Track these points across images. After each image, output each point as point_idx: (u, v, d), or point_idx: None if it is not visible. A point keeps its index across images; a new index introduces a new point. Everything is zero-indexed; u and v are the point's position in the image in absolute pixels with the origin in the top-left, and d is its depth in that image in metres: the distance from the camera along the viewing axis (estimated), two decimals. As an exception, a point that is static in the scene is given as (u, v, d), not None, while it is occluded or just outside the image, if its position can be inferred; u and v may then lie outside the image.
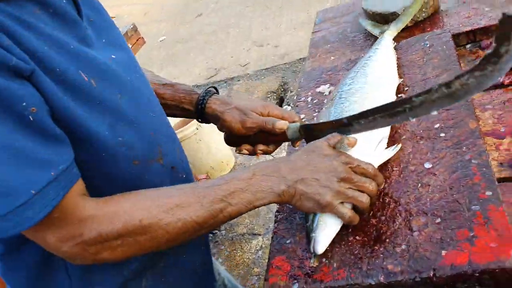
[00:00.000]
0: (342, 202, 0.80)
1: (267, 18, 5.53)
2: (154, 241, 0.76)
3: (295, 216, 0.92)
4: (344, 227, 0.83)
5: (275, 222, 0.94)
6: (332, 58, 1.37)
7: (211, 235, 2.76)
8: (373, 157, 0.90)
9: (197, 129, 2.92)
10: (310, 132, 0.94)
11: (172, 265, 0.96)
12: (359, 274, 0.75)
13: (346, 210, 0.80)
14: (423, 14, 1.31)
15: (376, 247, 0.78)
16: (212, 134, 3.02)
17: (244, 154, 1.03)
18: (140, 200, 0.77)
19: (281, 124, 0.96)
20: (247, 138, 1.01)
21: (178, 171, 0.95)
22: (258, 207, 0.80)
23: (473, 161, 0.84)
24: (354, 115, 0.85)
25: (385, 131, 0.97)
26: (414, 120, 0.98)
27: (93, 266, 0.82)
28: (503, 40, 0.64)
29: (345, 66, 1.27)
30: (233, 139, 1.03)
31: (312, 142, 0.89)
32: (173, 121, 3.13)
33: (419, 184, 0.85)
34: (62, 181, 0.69)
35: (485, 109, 1.02)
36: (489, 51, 0.66)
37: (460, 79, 0.70)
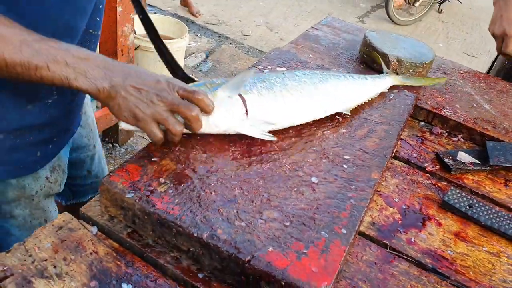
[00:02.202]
0: (158, 123, 0.81)
1: (291, 12, 5.49)
2: None
3: (178, 146, 0.89)
4: (210, 178, 0.80)
5: (156, 139, 0.90)
6: (310, 55, 1.35)
7: (109, 145, 2.67)
8: (252, 127, 0.93)
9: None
10: None
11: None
12: (189, 220, 0.73)
13: (157, 131, 0.82)
14: (407, 74, 1.32)
15: (222, 210, 0.76)
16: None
17: None
18: None
19: None
20: None
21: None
22: (74, 88, 0.77)
23: (352, 200, 0.84)
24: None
25: (285, 122, 0.99)
26: (333, 141, 0.98)
27: None
28: None
29: (315, 68, 1.26)
30: None
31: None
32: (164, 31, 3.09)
33: (295, 188, 0.84)
34: None
35: (395, 176, 1.04)
36: None
37: None
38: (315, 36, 1.48)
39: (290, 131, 0.99)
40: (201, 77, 3.66)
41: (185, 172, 0.82)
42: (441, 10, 6.46)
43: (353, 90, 1.12)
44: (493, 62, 1.84)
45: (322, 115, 1.05)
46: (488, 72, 1.84)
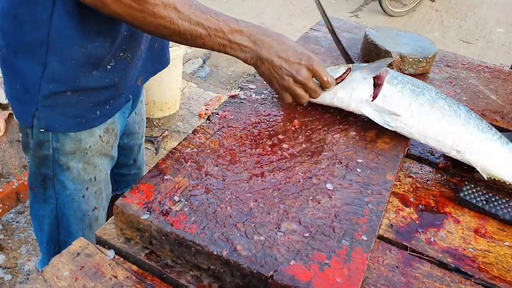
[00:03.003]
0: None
1: (285, 11, 5.48)
2: (140, 16, 0.87)
3: (189, 161, 0.88)
4: (225, 192, 0.79)
5: (166, 157, 0.89)
6: (312, 57, 1.33)
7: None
8: (374, 111, 1.02)
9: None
10: None
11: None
12: (207, 238, 0.72)
13: (288, 97, 1.03)
14: (411, 70, 1.31)
15: (239, 225, 0.75)
16: (172, 73, 2.92)
17: None
18: None
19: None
20: None
21: None
22: (228, 54, 0.96)
23: (369, 205, 0.83)
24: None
25: (402, 128, 1.03)
26: (345, 144, 0.97)
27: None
28: None
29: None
30: None
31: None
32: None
33: (311, 197, 0.83)
34: None
35: (409, 176, 1.03)
36: None
37: None
38: (315, 38, 1.47)
39: (300, 137, 0.98)
40: (199, 83, 3.65)
41: (198, 188, 0.81)
42: (434, -2, 6.45)
43: (505, 161, 1.00)
44: None
45: (448, 151, 1.01)
46: None
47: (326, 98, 1.05)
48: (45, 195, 1.18)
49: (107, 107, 1.12)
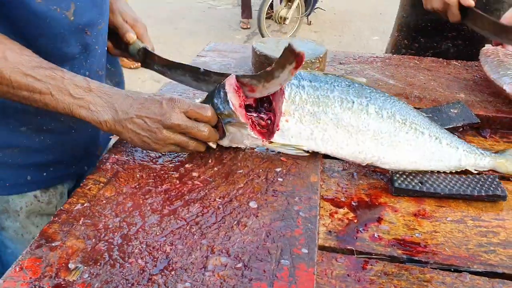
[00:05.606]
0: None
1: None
2: None
3: (81, 219, 0.72)
4: (132, 244, 0.65)
5: (52, 221, 0.72)
6: (204, 81, 1.24)
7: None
8: (280, 147, 0.90)
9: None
10: (149, 59, 1.02)
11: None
12: (118, 304, 0.57)
13: (175, 149, 0.84)
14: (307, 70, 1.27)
15: (156, 277, 0.61)
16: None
17: None
18: None
19: (130, 36, 0.99)
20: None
21: (91, 42, 0.92)
22: (76, 117, 0.78)
23: (301, 213, 0.73)
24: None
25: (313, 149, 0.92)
26: (258, 156, 0.87)
27: None
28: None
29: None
30: None
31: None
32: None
33: (236, 222, 0.71)
34: None
35: (332, 176, 0.95)
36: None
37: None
38: (203, 63, 1.39)
39: (210, 161, 0.87)
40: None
41: (98, 246, 0.66)
42: (310, 22, 6.81)
43: (421, 155, 0.94)
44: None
45: (362, 163, 0.94)
46: None
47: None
48: None
49: (44, 174, 0.96)
